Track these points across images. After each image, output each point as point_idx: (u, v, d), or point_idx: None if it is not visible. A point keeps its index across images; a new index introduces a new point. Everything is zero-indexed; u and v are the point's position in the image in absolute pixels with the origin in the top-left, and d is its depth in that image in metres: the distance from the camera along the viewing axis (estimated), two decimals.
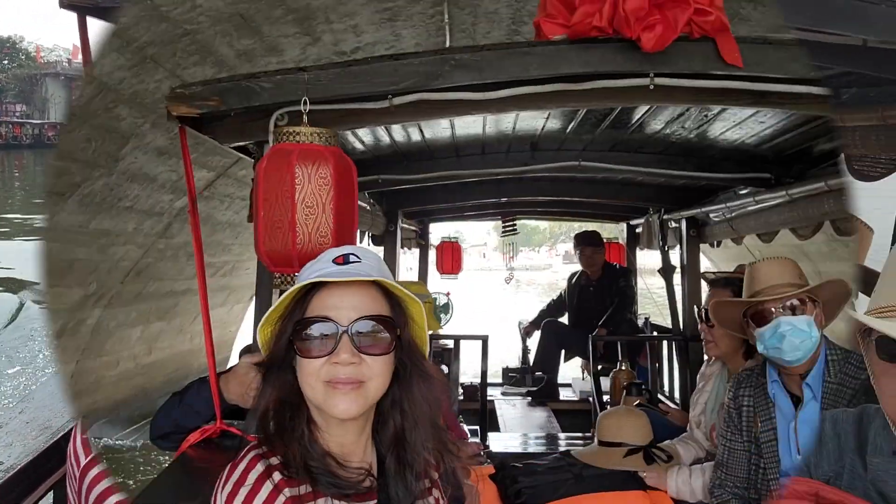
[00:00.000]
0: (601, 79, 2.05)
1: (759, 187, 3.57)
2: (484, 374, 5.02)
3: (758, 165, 3.47)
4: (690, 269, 4.88)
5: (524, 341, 6.79)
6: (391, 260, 5.19)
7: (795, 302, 2.37)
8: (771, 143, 3.19)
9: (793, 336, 2.34)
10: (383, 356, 1.37)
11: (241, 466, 1.33)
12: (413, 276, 6.69)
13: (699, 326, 3.16)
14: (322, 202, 1.86)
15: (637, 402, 4.22)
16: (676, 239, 5.08)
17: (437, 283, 7.08)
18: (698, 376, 3.57)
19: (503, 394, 6.17)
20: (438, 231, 7.34)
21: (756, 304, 2.44)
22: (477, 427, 4.67)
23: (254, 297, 2.19)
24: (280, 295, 2.00)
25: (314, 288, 1.40)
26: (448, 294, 6.77)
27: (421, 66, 1.98)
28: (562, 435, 4.97)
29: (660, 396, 5.37)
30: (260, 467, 1.32)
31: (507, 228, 6.92)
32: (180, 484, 1.91)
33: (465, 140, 3.34)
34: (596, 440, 3.36)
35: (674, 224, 5.13)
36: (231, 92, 2.00)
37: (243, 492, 1.29)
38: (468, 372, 6.97)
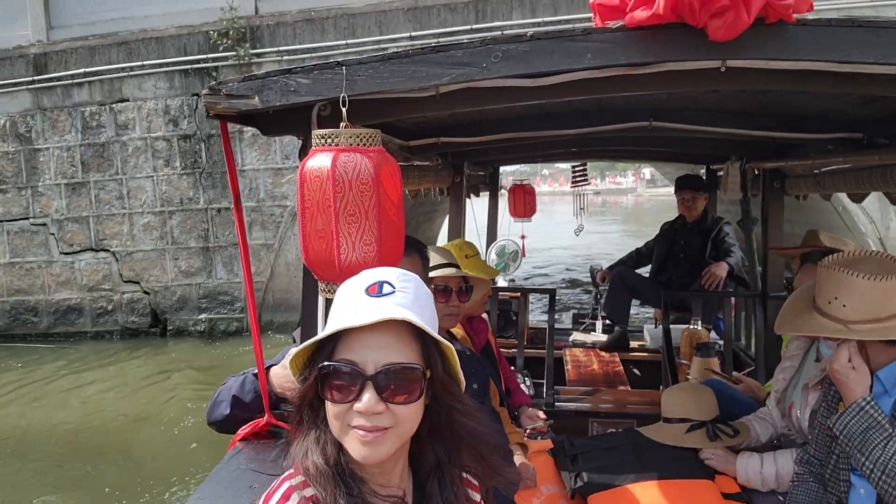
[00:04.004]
0: (665, 62, 1.87)
1: (850, 148, 3.28)
2: (551, 327, 4.96)
3: (849, 124, 3.17)
4: (772, 223, 4.61)
5: (596, 287, 6.65)
6: (457, 211, 5.11)
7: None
8: (865, 104, 2.90)
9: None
10: (411, 403, 1.32)
11: (275, 499, 1.33)
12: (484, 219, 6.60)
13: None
14: (365, 209, 1.77)
15: (709, 366, 4.09)
16: (759, 189, 4.80)
17: (510, 227, 6.97)
18: (786, 349, 3.40)
19: (573, 342, 6.10)
20: (509, 175, 7.19)
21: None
22: (542, 381, 4.64)
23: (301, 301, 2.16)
24: (327, 302, 1.99)
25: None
26: (523, 238, 6.67)
27: (465, 58, 1.84)
28: (631, 391, 4.88)
29: (735, 351, 5.20)
30: (294, 499, 1.32)
31: (578, 178, 6.66)
32: (232, 481, 1.95)
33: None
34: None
35: (756, 173, 4.83)
36: (267, 89, 1.91)
37: None
38: (536, 310, 6.90)
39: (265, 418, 2.16)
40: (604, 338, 6.02)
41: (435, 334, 1.35)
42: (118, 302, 12.47)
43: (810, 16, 1.75)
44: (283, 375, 2.18)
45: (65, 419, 8.40)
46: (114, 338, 12.35)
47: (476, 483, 1.53)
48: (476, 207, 6.10)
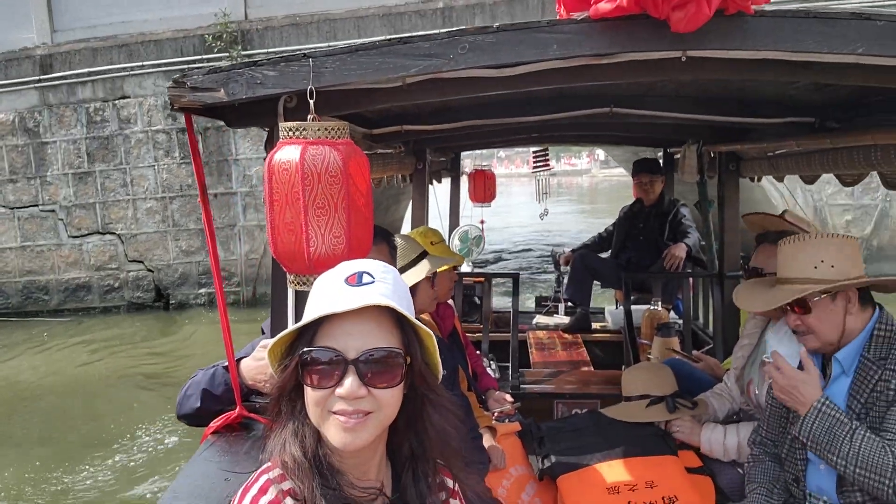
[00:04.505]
0: (629, 53, 1.90)
1: (802, 132, 3.37)
2: (515, 311, 5.01)
3: (801, 109, 3.26)
4: (728, 204, 4.71)
5: (558, 270, 6.73)
6: (420, 197, 5.12)
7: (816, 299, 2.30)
8: (817, 90, 2.98)
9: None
10: (392, 388, 1.34)
11: (252, 492, 1.34)
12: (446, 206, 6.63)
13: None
14: (334, 202, 1.77)
15: (669, 346, 4.19)
16: (715, 171, 4.89)
17: (471, 212, 7.02)
18: (744, 327, 3.49)
19: (536, 324, 6.18)
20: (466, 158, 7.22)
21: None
22: (508, 365, 4.70)
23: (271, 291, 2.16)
24: (296, 294, 1.99)
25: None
26: (482, 223, 6.72)
27: (432, 49, 1.85)
28: (594, 372, 4.97)
29: (693, 329, 5.33)
30: (272, 492, 1.33)
31: (539, 163, 6.71)
32: (207, 474, 1.95)
33: None
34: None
35: (712, 156, 4.93)
36: (233, 81, 1.90)
37: None
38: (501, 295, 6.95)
39: (237, 411, 2.16)
40: (566, 320, 6.11)
41: (416, 321, 1.37)
42: (124, 279, 13.94)
43: (767, 7, 1.79)
44: (254, 367, 2.18)
45: (77, 374, 9.91)
46: (121, 311, 13.79)
47: (450, 472, 1.56)
48: (438, 193, 6.13)
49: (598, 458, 2.90)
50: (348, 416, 1.30)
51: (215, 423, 2.16)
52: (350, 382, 1.29)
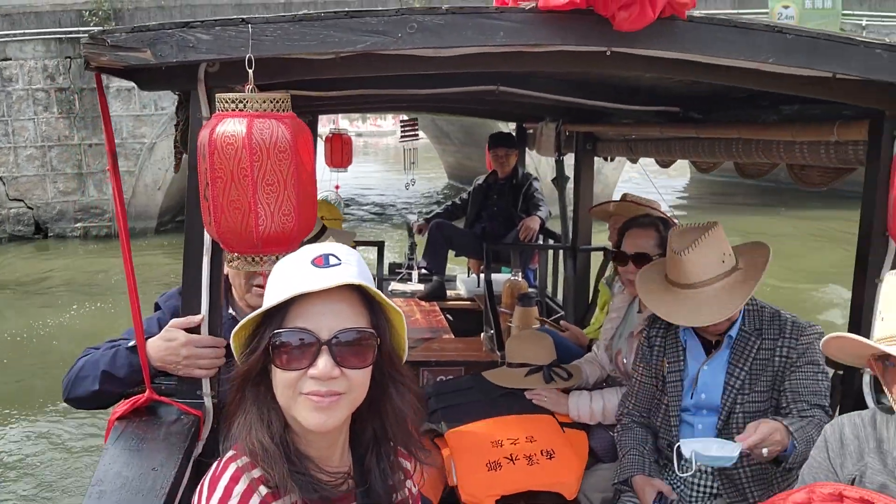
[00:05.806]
0: (567, 45, 1.97)
1: (668, 120, 3.64)
2: (381, 280, 5.04)
3: (670, 99, 3.52)
4: (584, 181, 4.99)
5: (412, 237, 6.80)
6: None
7: None
8: (692, 82, 3.23)
9: None
10: (364, 368, 1.35)
11: (224, 482, 1.31)
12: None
13: (618, 269, 3.27)
14: (283, 178, 1.71)
15: (530, 315, 4.40)
16: (571, 149, 5.14)
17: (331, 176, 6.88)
18: (611, 302, 3.73)
19: (391, 291, 6.22)
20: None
21: None
22: None
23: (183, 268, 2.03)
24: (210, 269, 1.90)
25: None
26: (338, 188, 6.64)
27: (380, 26, 1.81)
28: (456, 339, 5.10)
29: (548, 302, 5.63)
30: (244, 482, 1.30)
31: (407, 134, 6.69)
32: (131, 465, 1.82)
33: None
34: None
35: (568, 134, 5.16)
36: (161, 42, 1.75)
37: None
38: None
39: (146, 394, 2.03)
40: (421, 287, 6.19)
41: (388, 301, 1.39)
42: (6, 216, 16.12)
43: (696, 13, 1.93)
44: (163, 348, 2.05)
45: None
46: (2, 242, 15.91)
47: (406, 452, 1.58)
48: None
49: (482, 414, 3.06)
50: (321, 397, 1.30)
51: (121, 408, 2.02)
52: (324, 363, 1.29)
